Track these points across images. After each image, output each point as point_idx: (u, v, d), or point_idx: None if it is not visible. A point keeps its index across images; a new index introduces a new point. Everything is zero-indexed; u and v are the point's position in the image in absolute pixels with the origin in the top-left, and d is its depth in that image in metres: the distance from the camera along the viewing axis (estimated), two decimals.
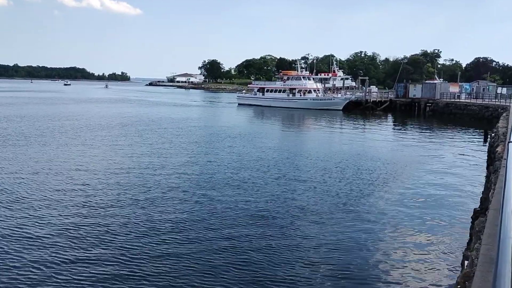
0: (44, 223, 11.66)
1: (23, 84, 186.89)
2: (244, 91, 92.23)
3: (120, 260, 9.45)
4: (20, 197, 14.08)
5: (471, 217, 10.49)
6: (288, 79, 71.34)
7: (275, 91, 70.62)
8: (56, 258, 9.50)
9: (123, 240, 10.63)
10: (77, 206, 13.33)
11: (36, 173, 17.65)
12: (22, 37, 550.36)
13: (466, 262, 6.37)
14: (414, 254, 10.32)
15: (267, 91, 72.07)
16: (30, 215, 12.33)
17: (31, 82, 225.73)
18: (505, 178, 4.46)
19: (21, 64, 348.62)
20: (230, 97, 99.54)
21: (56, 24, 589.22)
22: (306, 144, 30.65)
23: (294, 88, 67.38)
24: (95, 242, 10.47)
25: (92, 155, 22.34)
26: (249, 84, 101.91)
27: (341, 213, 13.20)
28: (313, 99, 64.67)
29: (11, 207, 13.02)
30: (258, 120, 49.55)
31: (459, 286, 5.09)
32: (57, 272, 8.84)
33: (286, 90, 68.43)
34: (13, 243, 10.27)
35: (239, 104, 73.15)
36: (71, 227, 11.43)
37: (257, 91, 74.28)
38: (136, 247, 10.17)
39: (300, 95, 66.24)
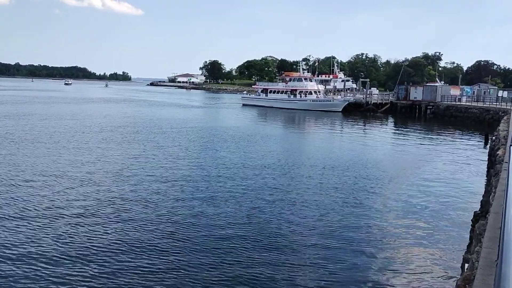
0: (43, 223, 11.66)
1: (24, 83, 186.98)
2: (245, 92, 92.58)
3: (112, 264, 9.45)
4: (19, 200, 14.07)
5: (472, 220, 10.48)
6: (290, 80, 71.69)
7: (278, 92, 70.99)
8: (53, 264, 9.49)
9: (116, 243, 10.62)
10: (77, 210, 13.32)
11: (39, 175, 17.64)
12: (23, 36, 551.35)
13: (466, 265, 6.36)
14: (414, 257, 10.30)
15: (270, 92, 72.70)
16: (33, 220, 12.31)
17: (32, 81, 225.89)
18: (507, 181, 4.46)
19: (22, 63, 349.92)
20: (232, 98, 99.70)
21: (57, 23, 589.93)
22: (304, 146, 30.62)
23: (296, 90, 67.61)
24: (93, 247, 10.47)
25: (89, 158, 22.29)
26: (251, 85, 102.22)
27: (340, 216, 13.17)
28: (312, 101, 64.82)
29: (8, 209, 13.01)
30: (261, 122, 49.43)
31: None
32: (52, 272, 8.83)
33: (288, 91, 68.73)
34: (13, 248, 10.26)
35: (243, 105, 73.99)
36: (72, 234, 11.42)
37: (261, 92, 75.36)
38: (130, 255, 10.16)
39: (301, 97, 66.41)
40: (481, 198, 12.17)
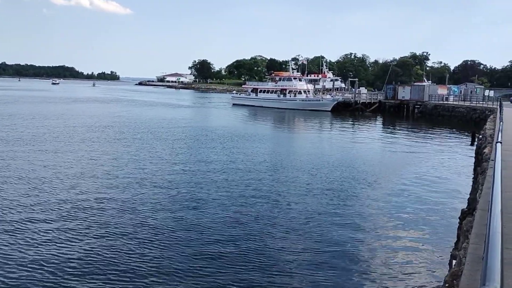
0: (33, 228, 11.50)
1: (10, 82, 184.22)
2: (235, 91, 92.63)
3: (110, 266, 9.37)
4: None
5: (459, 218, 10.60)
6: (280, 80, 71.81)
7: (268, 91, 71.04)
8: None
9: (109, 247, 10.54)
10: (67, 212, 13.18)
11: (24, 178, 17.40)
12: (10, 35, 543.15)
13: (454, 261, 6.44)
14: (402, 254, 10.39)
15: (260, 91, 72.69)
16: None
17: (19, 80, 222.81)
18: (493, 179, 4.52)
19: (9, 63, 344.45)
20: (222, 98, 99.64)
21: (45, 22, 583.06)
22: (294, 146, 30.70)
23: (285, 89, 67.76)
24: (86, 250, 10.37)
25: (71, 160, 22.05)
26: (241, 84, 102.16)
27: (328, 216, 13.19)
28: (302, 100, 65.05)
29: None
30: (251, 121, 49.39)
31: (447, 285, 5.13)
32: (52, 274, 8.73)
33: (277, 90, 68.85)
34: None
35: (233, 104, 73.94)
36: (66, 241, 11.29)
37: (251, 91, 75.33)
38: (124, 257, 10.07)
39: (291, 96, 66.59)
40: (468, 196, 12.32)
